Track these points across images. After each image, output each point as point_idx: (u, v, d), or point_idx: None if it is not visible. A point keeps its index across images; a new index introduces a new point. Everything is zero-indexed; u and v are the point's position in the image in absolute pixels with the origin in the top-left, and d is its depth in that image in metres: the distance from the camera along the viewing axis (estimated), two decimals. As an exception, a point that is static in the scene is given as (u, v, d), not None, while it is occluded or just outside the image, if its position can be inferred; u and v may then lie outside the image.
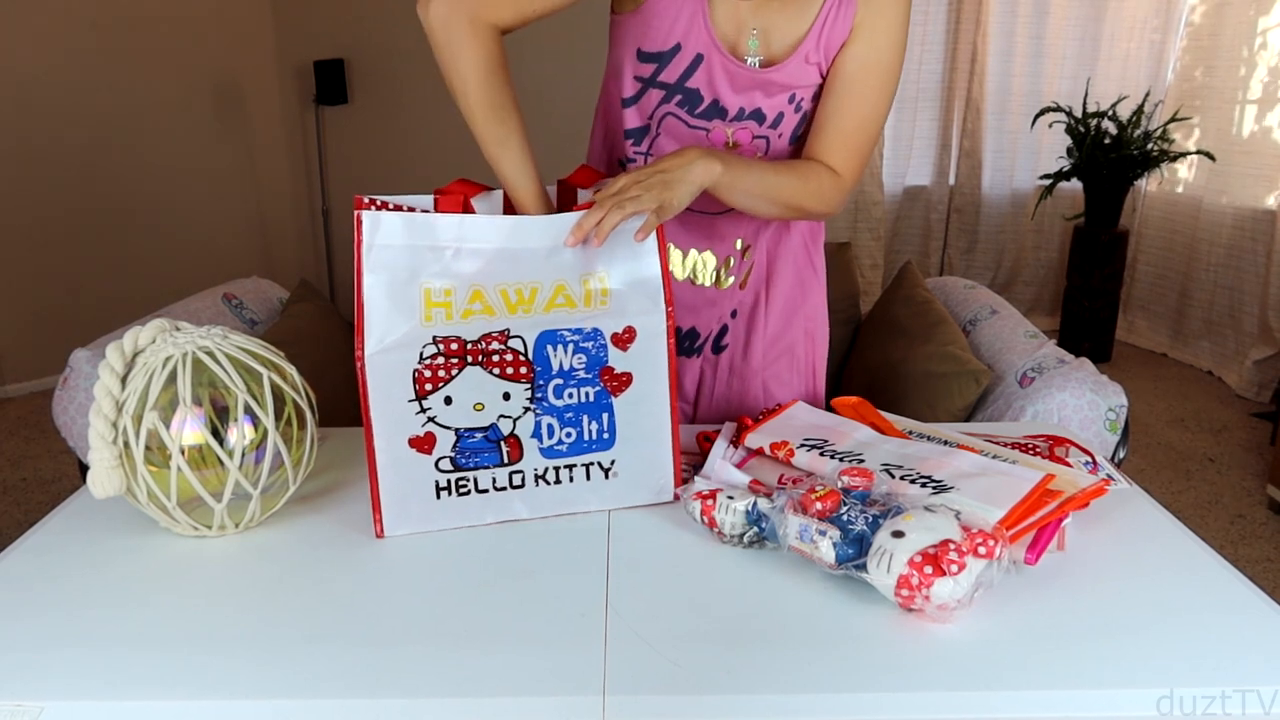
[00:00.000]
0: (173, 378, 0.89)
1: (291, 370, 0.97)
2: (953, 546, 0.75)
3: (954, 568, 0.74)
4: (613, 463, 0.99)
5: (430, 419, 0.94)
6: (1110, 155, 3.85)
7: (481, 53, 1.01)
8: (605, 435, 0.98)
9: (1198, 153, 3.85)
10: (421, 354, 0.93)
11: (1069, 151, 4.00)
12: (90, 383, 1.61)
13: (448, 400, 0.94)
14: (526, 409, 0.96)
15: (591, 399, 0.97)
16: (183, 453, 0.88)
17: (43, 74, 3.63)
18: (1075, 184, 4.11)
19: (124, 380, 0.90)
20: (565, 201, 1.08)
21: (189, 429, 0.89)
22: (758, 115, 1.16)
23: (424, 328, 0.93)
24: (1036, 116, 4.14)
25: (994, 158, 4.50)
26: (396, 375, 0.93)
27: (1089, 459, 1.06)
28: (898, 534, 0.77)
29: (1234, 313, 3.82)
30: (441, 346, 0.93)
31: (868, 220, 4.57)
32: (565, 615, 0.80)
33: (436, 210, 0.99)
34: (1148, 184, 4.29)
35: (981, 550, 0.76)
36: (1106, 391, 1.54)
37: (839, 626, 0.78)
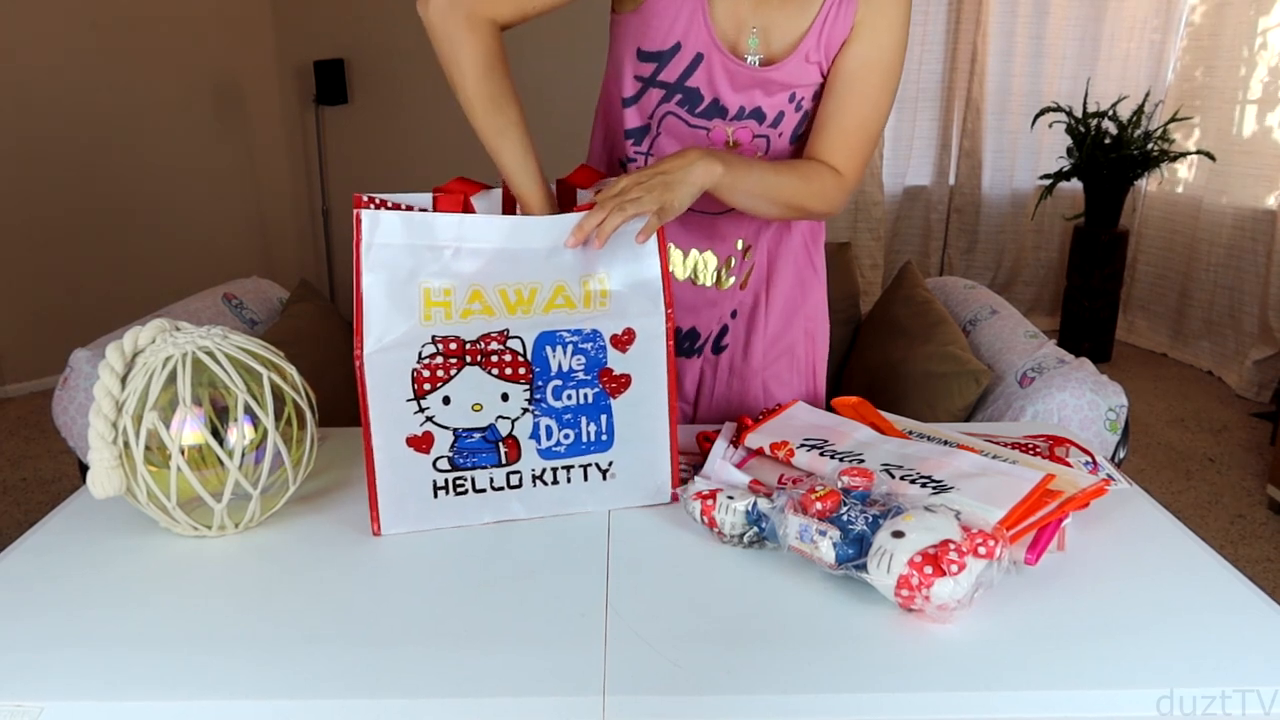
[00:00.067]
0: (173, 378, 0.89)
1: (291, 370, 0.97)
2: (953, 547, 0.75)
3: (954, 568, 0.74)
4: (610, 464, 0.99)
5: (428, 418, 0.94)
6: (1110, 155, 3.85)
7: (479, 47, 1.01)
8: (603, 437, 0.98)
9: (1198, 153, 3.85)
10: (420, 353, 0.93)
11: (1069, 151, 4.00)
12: (90, 383, 1.61)
13: (446, 400, 0.94)
14: (525, 410, 0.96)
15: (590, 400, 0.97)
16: (183, 453, 0.88)
17: (43, 74, 3.63)
18: (1075, 184, 4.11)
19: (124, 380, 0.90)
20: (565, 202, 1.08)
21: (189, 429, 0.89)
22: (758, 114, 1.16)
23: (423, 327, 0.93)
24: (1036, 116, 4.14)
25: (994, 158, 4.50)
26: (395, 374, 0.93)
27: (1089, 459, 1.06)
28: (898, 534, 0.77)
29: (1234, 313, 3.82)
30: (440, 346, 0.93)
31: (868, 220, 4.57)
32: (565, 615, 0.80)
33: (436, 209, 0.98)
34: (1148, 184, 4.29)
35: (981, 550, 0.76)
36: (1106, 391, 1.54)
37: (839, 626, 0.78)
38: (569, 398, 0.97)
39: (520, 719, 0.69)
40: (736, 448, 1.07)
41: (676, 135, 1.18)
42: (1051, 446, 1.06)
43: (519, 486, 0.97)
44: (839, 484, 0.86)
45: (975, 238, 4.62)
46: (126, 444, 0.88)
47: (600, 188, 1.03)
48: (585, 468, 0.98)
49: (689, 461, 1.10)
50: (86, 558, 0.91)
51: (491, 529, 0.96)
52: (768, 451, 1.01)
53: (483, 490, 0.96)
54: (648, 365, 0.98)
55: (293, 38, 4.42)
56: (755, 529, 0.90)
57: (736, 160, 1.05)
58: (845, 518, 0.82)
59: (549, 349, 0.95)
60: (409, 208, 0.96)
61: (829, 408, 1.12)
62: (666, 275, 0.99)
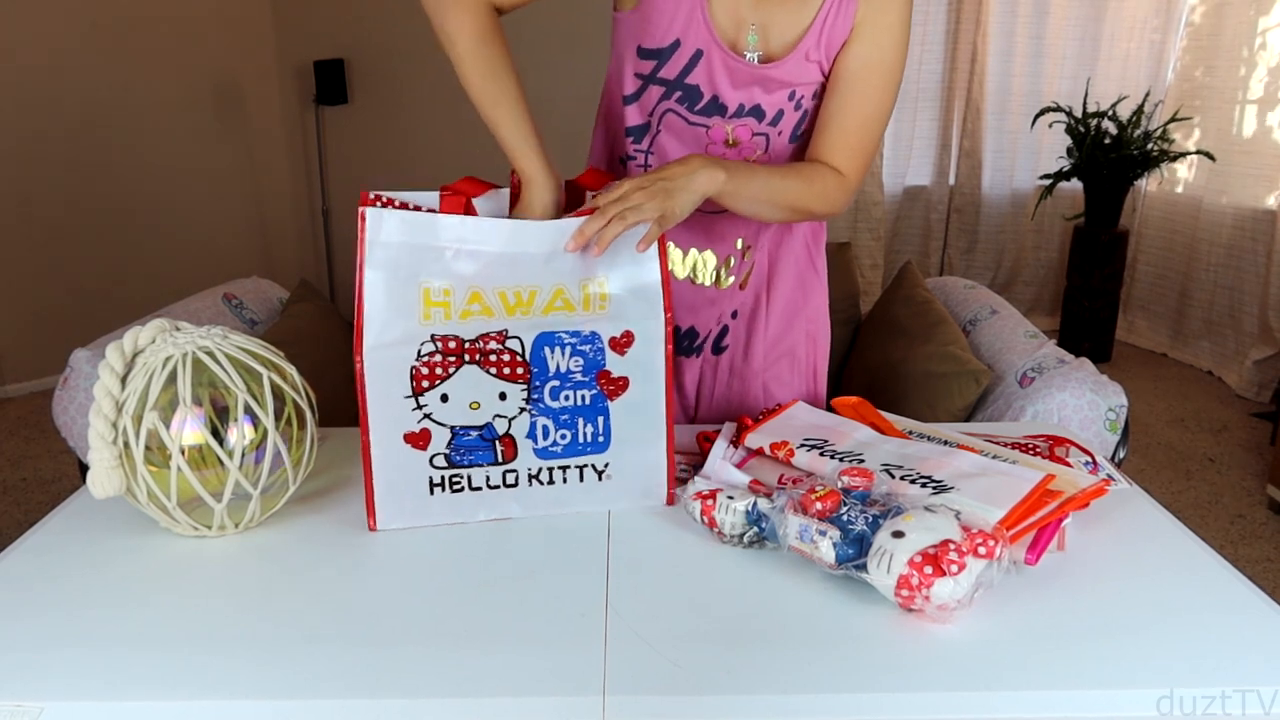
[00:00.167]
0: (173, 378, 0.89)
1: (291, 370, 0.97)
2: (953, 547, 0.75)
3: (954, 568, 0.74)
4: (606, 465, 0.99)
5: (426, 415, 0.94)
6: (1110, 155, 3.85)
7: (472, 23, 1.03)
8: (600, 438, 0.98)
9: (1198, 153, 3.85)
10: (419, 351, 0.93)
11: (1069, 151, 3.99)
12: (90, 383, 1.61)
13: (444, 398, 0.94)
14: (522, 409, 0.96)
15: (587, 402, 0.97)
16: (183, 453, 0.88)
17: (43, 74, 3.63)
18: (1075, 184, 4.11)
19: (124, 380, 0.90)
20: (574, 203, 1.08)
21: (189, 429, 0.89)
22: (757, 112, 1.16)
23: (423, 326, 0.94)
24: (1036, 116, 4.14)
25: (994, 158, 4.50)
26: (394, 371, 0.93)
27: (1089, 459, 1.06)
28: (898, 534, 0.77)
29: (1234, 313, 3.82)
30: (440, 345, 0.94)
31: (868, 220, 4.57)
32: (565, 615, 0.80)
33: (440, 210, 0.99)
34: (1148, 184, 4.29)
35: (981, 550, 0.76)
36: (1106, 391, 1.54)
37: (839, 626, 0.78)
38: (566, 398, 0.97)
39: (520, 719, 0.69)
40: (736, 448, 1.07)
41: (676, 133, 1.18)
42: (1051, 446, 1.06)
43: (515, 485, 0.97)
44: (839, 484, 0.86)
45: (975, 238, 4.62)
46: (126, 444, 0.88)
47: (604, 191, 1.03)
48: (581, 468, 0.99)
49: (689, 461, 1.10)
50: (86, 558, 0.91)
51: (491, 529, 0.96)
52: (768, 451, 1.01)
53: (479, 488, 0.97)
54: (646, 368, 0.98)
55: (293, 38, 4.42)
56: (755, 529, 0.90)
57: (739, 167, 1.05)
58: (845, 518, 0.82)
59: (547, 350, 0.95)
60: (416, 207, 0.96)
61: (829, 408, 1.12)
62: (666, 279, 0.99)
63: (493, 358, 0.95)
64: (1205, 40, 4.03)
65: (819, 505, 0.83)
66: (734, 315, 1.31)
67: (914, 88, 4.45)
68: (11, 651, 0.76)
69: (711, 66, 1.12)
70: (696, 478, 0.97)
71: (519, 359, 0.95)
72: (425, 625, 0.79)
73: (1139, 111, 3.89)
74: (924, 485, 0.88)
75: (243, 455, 0.90)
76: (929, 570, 0.75)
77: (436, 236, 0.94)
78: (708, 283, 1.27)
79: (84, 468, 1.45)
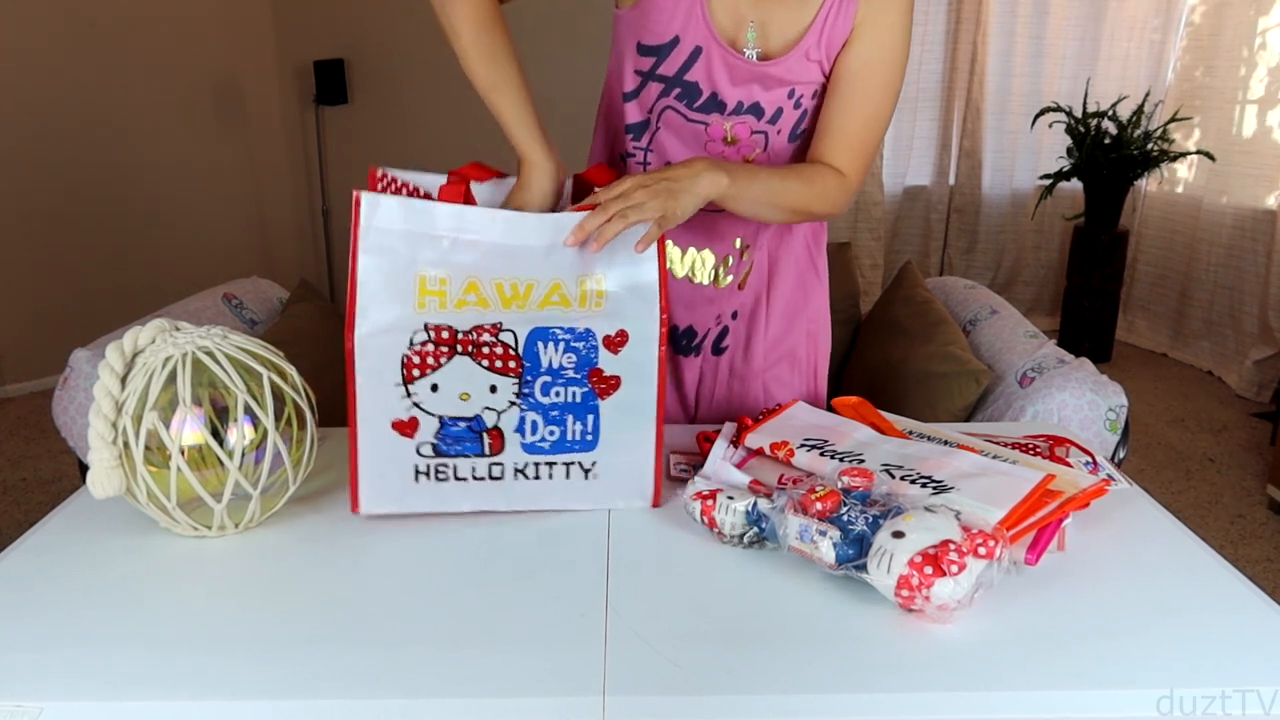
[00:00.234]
0: (172, 378, 0.89)
1: (291, 370, 0.97)
2: (953, 547, 0.75)
3: (954, 568, 0.74)
4: (594, 464, 0.99)
5: (415, 404, 0.95)
6: (1110, 155, 3.85)
7: (473, 10, 1.03)
8: (589, 436, 0.98)
9: (1198, 153, 3.85)
10: (412, 340, 0.94)
11: (1069, 151, 3.99)
12: (90, 383, 1.61)
13: (434, 387, 0.94)
14: (512, 403, 0.96)
15: (578, 399, 0.97)
16: (182, 453, 0.88)
17: (43, 74, 3.63)
18: (1075, 184, 4.11)
19: (124, 380, 0.90)
20: (581, 198, 1.08)
21: (189, 429, 0.89)
22: (756, 110, 1.16)
23: (417, 314, 0.94)
24: (1036, 116, 4.14)
25: (994, 158, 4.50)
26: (385, 358, 0.93)
27: (1089, 459, 1.06)
28: (898, 534, 0.77)
29: (1234, 313, 3.82)
30: (433, 334, 0.94)
31: (868, 220, 4.57)
32: (565, 615, 0.80)
33: (439, 197, 0.99)
34: (1148, 184, 4.29)
35: (982, 550, 0.76)
36: (1106, 391, 1.54)
37: (839, 626, 0.78)
38: (557, 395, 0.97)
39: (520, 719, 0.69)
40: (736, 448, 1.07)
41: (675, 130, 1.18)
42: (1051, 446, 1.06)
43: (500, 479, 0.97)
44: (839, 484, 0.86)
45: (975, 238, 4.61)
46: (126, 444, 0.88)
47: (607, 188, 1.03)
48: (568, 466, 0.98)
49: (689, 461, 1.10)
50: (86, 558, 0.91)
51: (491, 530, 0.96)
52: (768, 451, 1.01)
53: (464, 479, 0.97)
54: (639, 369, 0.98)
55: (293, 38, 4.42)
56: (755, 529, 0.90)
57: (742, 170, 1.06)
58: (845, 518, 0.82)
59: (541, 345, 0.95)
60: (418, 190, 0.96)
61: (829, 408, 1.12)
62: (664, 279, 0.99)
63: (485, 350, 0.95)
64: (1205, 40, 4.03)
65: (819, 505, 0.83)
66: (734, 316, 1.31)
67: (914, 88, 4.45)
68: (11, 651, 0.76)
69: (710, 63, 1.12)
70: (696, 478, 0.97)
71: (512, 352, 0.95)
72: (425, 625, 0.79)
73: (1139, 111, 3.89)
74: (924, 485, 0.88)
75: (243, 455, 0.90)
76: (929, 570, 0.75)
77: (434, 225, 0.94)
78: (706, 281, 1.27)
79: (84, 468, 1.45)
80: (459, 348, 0.94)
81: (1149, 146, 3.86)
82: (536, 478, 0.98)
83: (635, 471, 1.00)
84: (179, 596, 0.84)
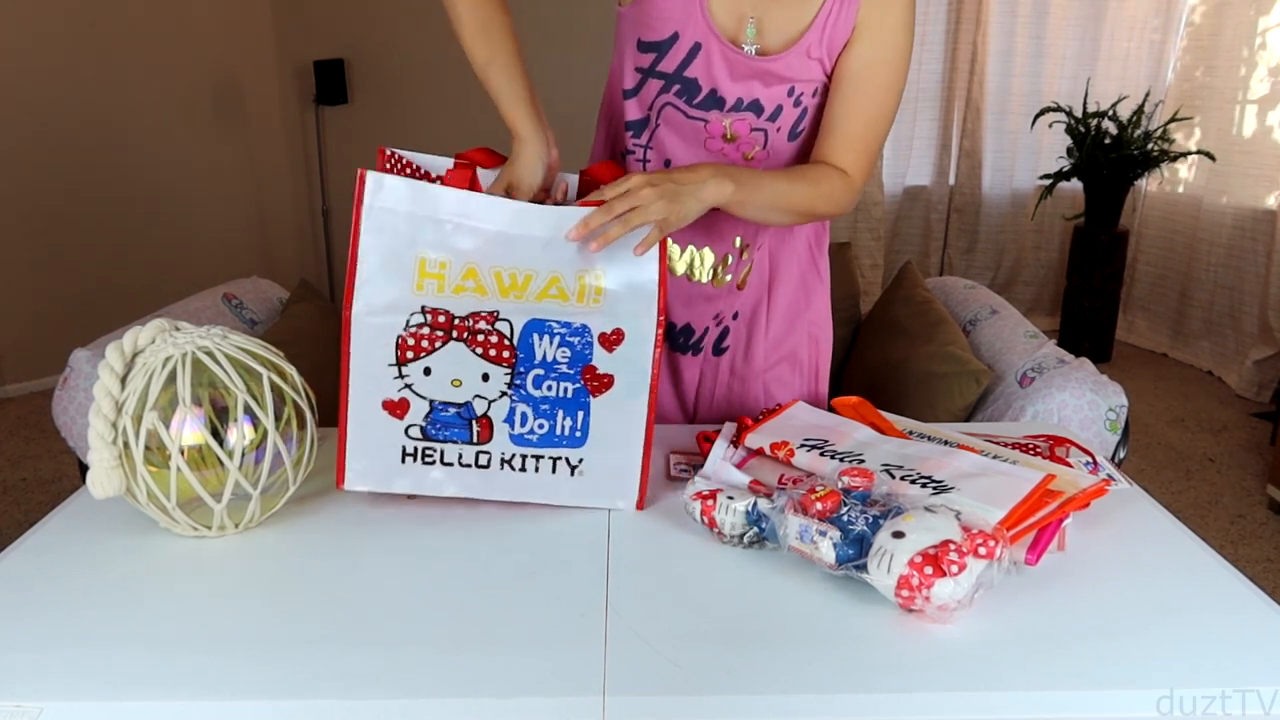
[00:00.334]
0: (172, 378, 0.89)
1: (291, 370, 0.97)
2: (953, 547, 0.75)
3: (954, 568, 0.74)
4: (580, 461, 0.99)
5: (407, 386, 0.95)
6: (1110, 155, 3.85)
7: None
8: (578, 433, 0.98)
9: (1198, 153, 3.85)
10: (409, 321, 0.94)
11: (1069, 151, 3.99)
12: (90, 383, 1.61)
13: (427, 371, 0.95)
14: (503, 393, 0.96)
15: (569, 395, 0.97)
16: (182, 453, 0.88)
17: (43, 74, 3.63)
18: (1075, 184, 4.11)
19: (124, 380, 0.90)
20: (587, 194, 1.08)
21: (189, 429, 0.89)
22: (755, 107, 1.16)
23: (415, 296, 0.94)
24: (1036, 116, 4.14)
25: (994, 158, 4.50)
26: (380, 338, 0.94)
27: (1089, 459, 1.06)
28: (898, 534, 0.77)
29: (1234, 313, 3.82)
30: (429, 317, 0.94)
31: (868, 220, 4.57)
32: (565, 615, 0.80)
33: (446, 178, 0.99)
34: (1148, 184, 4.29)
35: (982, 551, 0.76)
36: (1106, 391, 1.54)
37: (839, 626, 0.78)
38: (549, 388, 0.97)
39: (520, 719, 0.69)
40: (737, 448, 1.07)
41: (675, 127, 1.19)
42: (1052, 446, 1.06)
43: (486, 467, 0.97)
44: (839, 484, 0.86)
45: (975, 238, 4.61)
46: (126, 444, 0.88)
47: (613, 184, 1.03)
48: (555, 460, 0.98)
49: (689, 461, 1.10)
50: (86, 558, 0.91)
51: (492, 530, 0.96)
52: (768, 451, 1.01)
53: (450, 464, 0.97)
54: (632, 368, 0.98)
55: (293, 38, 4.42)
56: (755, 529, 0.90)
57: (747, 177, 1.06)
58: (845, 518, 0.82)
59: (536, 337, 0.96)
60: (427, 173, 0.96)
61: (830, 408, 1.12)
62: (664, 281, 0.99)
63: (480, 337, 0.95)
64: (1205, 40, 4.03)
65: (819, 505, 0.83)
66: (735, 316, 1.31)
67: (914, 88, 4.45)
68: (11, 651, 0.76)
69: (710, 59, 1.13)
70: (696, 478, 0.97)
71: (506, 342, 0.95)
72: (425, 625, 0.79)
73: (1139, 111, 3.89)
74: (924, 485, 0.88)
75: (242, 455, 0.90)
76: (929, 570, 0.75)
77: (437, 208, 0.95)
78: (705, 280, 1.27)
79: (84, 468, 1.45)
80: (454, 333, 0.95)
81: (1149, 146, 3.86)
82: (523, 470, 0.98)
83: (621, 472, 0.99)
84: (179, 596, 0.84)
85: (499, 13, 1.08)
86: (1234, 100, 3.83)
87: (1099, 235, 3.98)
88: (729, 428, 1.11)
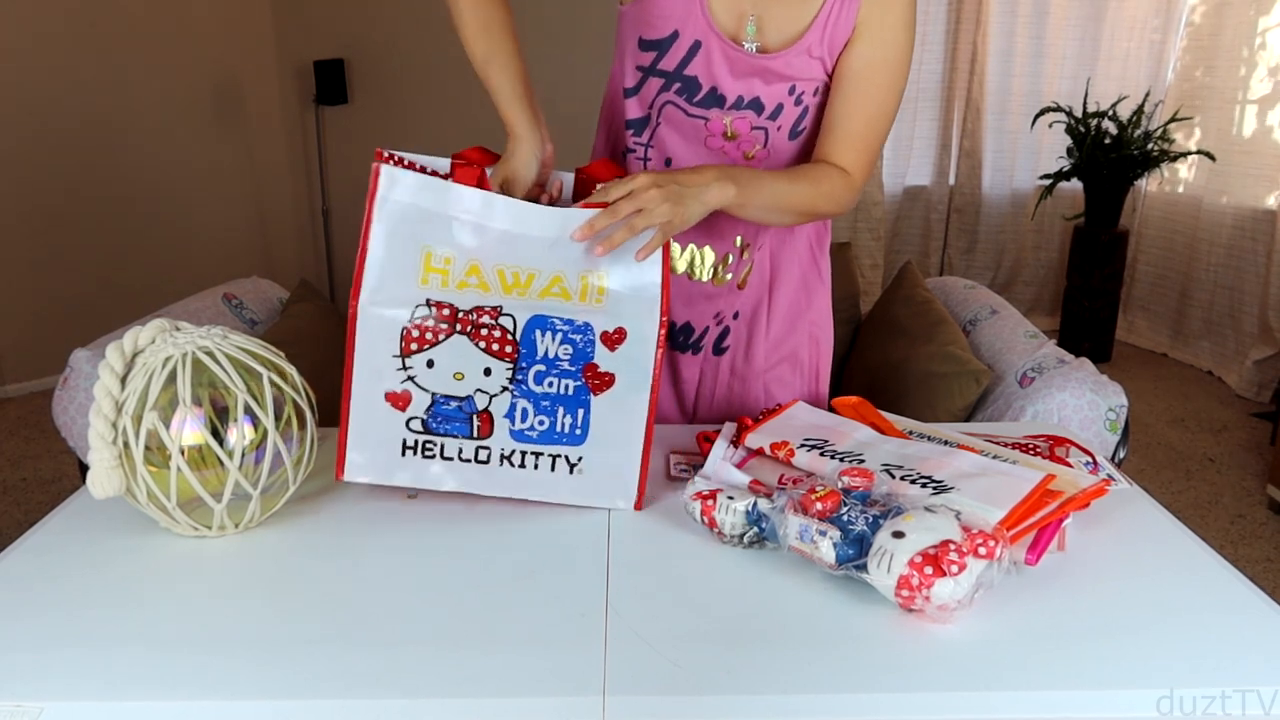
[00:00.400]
0: (172, 378, 0.89)
1: (291, 370, 0.97)
2: (953, 547, 0.75)
3: (954, 568, 0.74)
4: (580, 459, 0.99)
5: (410, 378, 0.95)
6: (1110, 155, 3.85)
7: None
8: (578, 431, 0.98)
9: (1198, 153, 3.85)
10: (414, 313, 0.95)
11: (1069, 151, 3.99)
12: (90, 383, 1.61)
13: (430, 363, 0.95)
14: (505, 388, 0.96)
15: (570, 392, 0.97)
16: (182, 453, 0.88)
17: (43, 74, 3.63)
18: (1075, 184, 4.11)
19: (124, 380, 0.90)
20: (583, 194, 1.08)
21: (189, 429, 0.89)
22: (756, 105, 1.16)
23: (420, 289, 0.95)
24: (1036, 116, 4.14)
25: (994, 158, 4.50)
26: (385, 329, 0.94)
27: (1089, 459, 1.06)
28: (898, 534, 0.77)
29: (1234, 313, 3.82)
30: (434, 310, 0.95)
31: (868, 220, 4.57)
32: (565, 615, 0.80)
33: (454, 178, 0.99)
34: (1148, 184, 4.29)
35: (982, 551, 0.76)
36: (1106, 391, 1.54)
37: (839, 626, 0.78)
38: (550, 385, 0.97)
39: (520, 719, 0.69)
40: (737, 448, 1.07)
41: (675, 125, 1.19)
42: (1052, 446, 1.06)
43: (486, 462, 0.97)
44: (839, 484, 0.86)
45: (975, 238, 4.61)
46: (126, 444, 0.88)
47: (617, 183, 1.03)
48: (554, 458, 0.98)
49: (689, 461, 1.10)
50: (86, 558, 0.91)
51: (492, 529, 0.96)
52: (768, 451, 1.01)
53: (450, 458, 0.97)
54: (634, 368, 0.98)
55: (293, 38, 4.42)
56: (755, 529, 0.90)
57: (749, 178, 1.06)
58: (845, 518, 0.82)
59: (538, 333, 0.96)
60: (433, 171, 0.96)
61: (830, 408, 1.12)
62: (667, 282, 0.99)
63: (484, 332, 0.95)
64: (1205, 40, 4.03)
65: (819, 505, 0.83)
66: (735, 316, 1.31)
67: (914, 88, 4.45)
68: (11, 651, 0.76)
69: (710, 57, 1.13)
70: (696, 478, 0.97)
71: (509, 337, 0.95)
72: (425, 625, 0.79)
73: (1139, 111, 3.89)
74: (924, 485, 0.88)
75: (243, 455, 0.90)
76: (929, 570, 0.75)
77: (447, 204, 0.96)
78: (705, 279, 1.27)
79: (84, 468, 1.45)
80: (458, 327, 0.95)
81: (1149, 146, 3.86)
82: (522, 466, 0.98)
83: (620, 472, 0.99)
84: (179, 596, 0.84)
85: (500, 11, 1.09)
86: (1234, 100, 3.83)
87: (1099, 235, 3.98)
88: (729, 428, 1.11)
